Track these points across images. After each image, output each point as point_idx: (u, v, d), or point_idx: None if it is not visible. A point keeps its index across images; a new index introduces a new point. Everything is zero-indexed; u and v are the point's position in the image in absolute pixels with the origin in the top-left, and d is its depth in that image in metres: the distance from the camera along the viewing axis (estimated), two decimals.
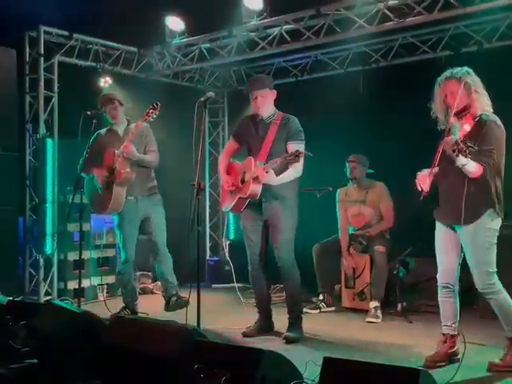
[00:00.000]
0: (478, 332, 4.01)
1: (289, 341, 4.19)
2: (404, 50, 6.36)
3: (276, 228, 4.32)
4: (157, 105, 4.73)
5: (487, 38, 5.77)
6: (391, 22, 5.34)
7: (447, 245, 3.54)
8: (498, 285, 3.41)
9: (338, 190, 5.71)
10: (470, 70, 3.51)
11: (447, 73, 3.55)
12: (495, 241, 3.40)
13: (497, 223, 3.41)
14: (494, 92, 3.54)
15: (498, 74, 5.45)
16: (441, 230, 3.59)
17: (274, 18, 5.82)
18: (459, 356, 3.50)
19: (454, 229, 3.50)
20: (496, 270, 3.41)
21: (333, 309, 5.48)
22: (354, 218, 5.62)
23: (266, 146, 4.30)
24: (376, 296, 5.12)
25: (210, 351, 2.59)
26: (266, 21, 5.84)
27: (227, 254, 7.88)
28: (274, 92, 4.40)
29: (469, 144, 3.07)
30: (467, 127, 3.38)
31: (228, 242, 7.97)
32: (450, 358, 3.55)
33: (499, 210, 3.39)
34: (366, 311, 5.14)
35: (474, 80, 3.47)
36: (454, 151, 3.08)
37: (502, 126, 3.41)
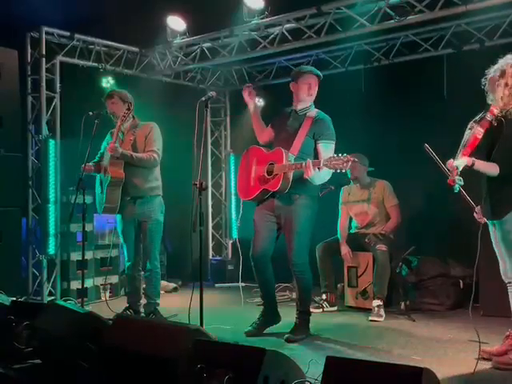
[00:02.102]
0: (480, 330, 3.99)
1: (291, 341, 4.18)
2: (405, 48, 6.35)
3: (292, 230, 4.23)
4: (130, 105, 4.74)
5: (489, 36, 5.75)
6: (392, 21, 5.33)
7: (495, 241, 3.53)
8: None
9: (342, 189, 5.71)
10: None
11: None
12: None
13: None
14: None
15: None
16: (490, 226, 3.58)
17: (275, 17, 5.82)
18: None
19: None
20: None
21: (336, 308, 5.48)
22: (357, 217, 5.62)
23: (298, 140, 4.19)
24: (379, 295, 5.12)
25: (212, 351, 2.59)
26: (267, 20, 5.83)
27: (230, 254, 7.92)
28: (318, 85, 4.40)
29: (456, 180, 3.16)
30: (478, 135, 3.31)
31: (231, 242, 7.98)
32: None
33: None
34: (369, 310, 5.14)
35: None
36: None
37: None
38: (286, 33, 5.95)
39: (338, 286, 5.73)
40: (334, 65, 6.90)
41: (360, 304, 5.39)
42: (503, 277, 3.51)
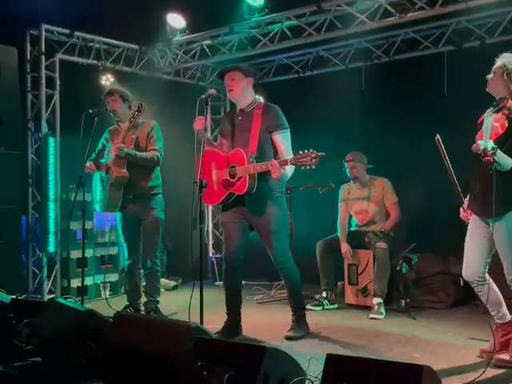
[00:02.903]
0: (480, 328, 4.00)
1: (290, 339, 4.17)
2: (406, 45, 6.34)
3: (268, 230, 4.12)
4: (141, 106, 4.68)
5: (489, 33, 5.75)
6: (393, 18, 5.33)
7: (476, 238, 3.48)
8: None
9: (342, 187, 5.70)
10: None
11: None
12: None
13: None
14: None
15: None
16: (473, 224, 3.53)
17: (275, 15, 5.81)
18: None
19: (486, 221, 3.44)
20: None
21: (336, 306, 5.48)
22: (357, 215, 5.62)
23: (254, 137, 4.04)
24: (379, 292, 5.12)
25: (212, 349, 2.59)
26: (267, 17, 5.83)
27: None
28: (250, 80, 4.22)
29: (495, 159, 3.06)
30: (498, 127, 3.26)
31: None
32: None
33: None
34: (369, 308, 5.14)
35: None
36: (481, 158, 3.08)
37: None
38: (286, 30, 5.94)
39: (338, 283, 5.73)
40: (334, 62, 6.89)
41: (360, 302, 5.39)
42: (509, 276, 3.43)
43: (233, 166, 4.04)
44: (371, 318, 4.95)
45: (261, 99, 4.23)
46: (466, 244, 3.54)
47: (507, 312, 3.52)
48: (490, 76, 3.43)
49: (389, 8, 5.26)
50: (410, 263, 5.37)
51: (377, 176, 5.60)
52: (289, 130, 4.15)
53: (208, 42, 6.53)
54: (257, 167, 3.92)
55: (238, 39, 6.27)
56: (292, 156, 3.90)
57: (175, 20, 6.37)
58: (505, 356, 3.40)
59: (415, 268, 5.38)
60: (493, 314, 3.53)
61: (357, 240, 5.48)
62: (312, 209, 6.55)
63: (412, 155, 5.90)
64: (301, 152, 3.74)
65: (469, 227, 3.56)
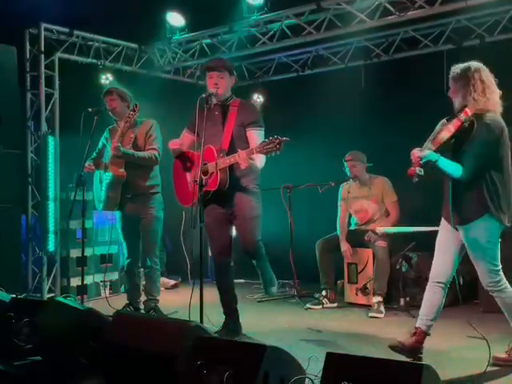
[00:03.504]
0: (481, 326, 4.00)
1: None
2: (405, 43, 6.35)
3: (241, 217, 4.07)
4: (136, 107, 4.68)
5: (489, 32, 5.75)
6: (392, 16, 5.33)
7: (445, 243, 3.49)
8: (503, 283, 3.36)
9: (341, 186, 5.70)
10: (473, 64, 3.42)
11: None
12: (495, 240, 3.33)
13: (495, 227, 3.30)
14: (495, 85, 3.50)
15: (499, 67, 5.43)
16: (443, 228, 3.54)
17: (274, 13, 5.82)
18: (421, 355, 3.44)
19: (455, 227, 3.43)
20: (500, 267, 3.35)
21: (336, 304, 5.48)
22: (357, 214, 5.62)
23: (227, 133, 4.01)
24: (379, 291, 5.13)
25: (212, 347, 2.59)
26: (266, 16, 5.83)
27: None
28: (234, 78, 4.19)
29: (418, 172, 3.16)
30: (451, 128, 3.26)
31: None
32: (413, 353, 3.43)
33: (498, 215, 3.27)
34: (368, 306, 5.15)
35: (475, 74, 3.35)
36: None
37: (497, 130, 3.27)
38: (285, 29, 5.94)
39: (338, 282, 5.74)
40: (334, 61, 6.89)
41: (360, 300, 5.39)
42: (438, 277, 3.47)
43: (205, 164, 3.98)
44: (371, 317, 4.95)
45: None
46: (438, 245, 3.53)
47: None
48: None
49: (388, 7, 5.26)
50: (409, 262, 5.38)
51: (376, 175, 5.60)
52: (263, 129, 4.08)
53: (207, 40, 6.53)
54: (226, 160, 3.88)
55: (238, 38, 6.27)
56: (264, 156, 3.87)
57: (175, 19, 6.37)
58: (502, 354, 3.41)
59: (415, 267, 5.38)
60: (424, 318, 3.51)
61: (356, 239, 5.48)
62: (312, 208, 6.56)
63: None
64: (266, 140, 3.70)
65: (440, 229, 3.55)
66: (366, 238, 5.33)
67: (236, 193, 4.05)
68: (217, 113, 4.14)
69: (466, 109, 3.25)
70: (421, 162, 3.18)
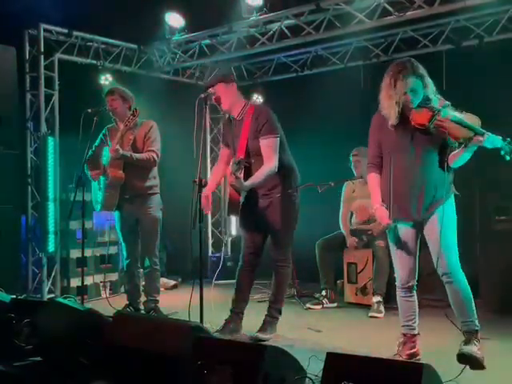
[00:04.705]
0: (480, 325, 4.01)
1: (258, 340, 4.02)
2: (404, 44, 6.35)
3: (270, 227, 4.17)
4: (136, 111, 4.70)
5: (488, 32, 5.74)
6: (391, 16, 5.33)
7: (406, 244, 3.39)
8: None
9: (345, 184, 5.68)
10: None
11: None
12: None
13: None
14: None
15: (498, 67, 5.44)
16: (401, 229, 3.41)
17: (273, 14, 5.81)
18: (420, 357, 3.40)
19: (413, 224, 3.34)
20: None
21: (335, 304, 5.48)
22: (357, 212, 5.63)
23: (241, 145, 4.10)
24: (378, 291, 5.13)
25: (212, 348, 2.60)
26: (265, 16, 5.83)
27: (229, 251, 7.92)
28: (232, 85, 4.16)
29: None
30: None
31: (230, 239, 7.99)
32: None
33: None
34: (368, 306, 5.15)
35: None
36: None
37: None
38: (284, 29, 5.94)
39: (338, 282, 5.74)
40: (333, 61, 6.89)
41: (360, 300, 5.40)
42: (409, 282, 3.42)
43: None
44: (371, 317, 4.96)
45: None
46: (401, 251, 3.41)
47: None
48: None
49: (387, 7, 5.26)
50: None
51: None
52: (274, 135, 4.08)
53: (207, 41, 6.53)
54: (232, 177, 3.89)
55: (237, 38, 6.27)
56: (273, 163, 4.00)
57: (174, 19, 6.37)
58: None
59: None
60: (410, 323, 3.48)
61: (356, 238, 5.49)
62: (311, 208, 6.55)
63: None
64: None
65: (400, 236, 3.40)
66: (368, 232, 5.35)
67: (261, 201, 4.16)
68: (236, 125, 4.21)
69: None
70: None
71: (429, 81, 3.29)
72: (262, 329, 4.18)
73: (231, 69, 4.35)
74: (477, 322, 3.27)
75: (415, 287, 3.46)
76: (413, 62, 3.31)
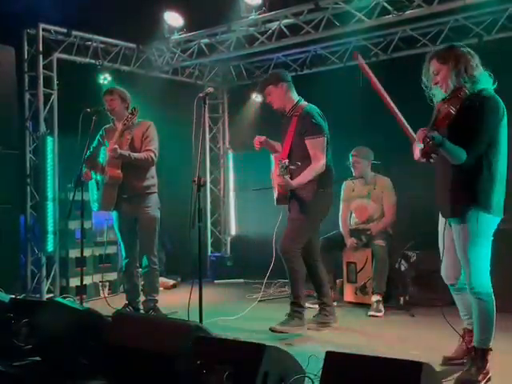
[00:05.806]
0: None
1: (273, 331, 4.21)
2: (404, 43, 6.35)
3: (290, 216, 4.38)
4: (135, 110, 4.73)
5: (487, 31, 5.75)
6: (390, 15, 5.33)
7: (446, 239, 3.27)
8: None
9: (344, 183, 5.68)
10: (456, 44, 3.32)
11: None
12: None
13: (486, 222, 3.02)
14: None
15: (497, 66, 5.43)
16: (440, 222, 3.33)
17: (272, 13, 5.81)
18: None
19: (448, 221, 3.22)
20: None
21: (335, 303, 5.47)
22: (356, 212, 5.62)
23: (287, 142, 4.32)
24: (378, 290, 5.13)
25: (212, 347, 2.59)
26: (264, 15, 5.83)
27: (229, 250, 7.92)
28: (283, 84, 4.37)
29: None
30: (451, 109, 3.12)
31: (229, 238, 7.99)
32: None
33: (489, 207, 2.99)
34: (368, 305, 5.14)
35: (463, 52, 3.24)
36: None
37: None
38: (283, 28, 5.94)
39: (337, 281, 5.73)
40: (332, 60, 6.90)
41: (359, 299, 5.39)
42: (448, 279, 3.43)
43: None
44: (370, 316, 4.95)
45: (302, 101, 4.35)
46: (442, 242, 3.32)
47: None
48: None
49: (386, 6, 5.26)
50: (408, 260, 5.38)
51: (380, 175, 5.58)
52: (320, 135, 4.25)
53: (206, 40, 6.53)
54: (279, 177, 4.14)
55: (236, 37, 6.27)
56: (321, 161, 4.21)
57: (173, 18, 6.37)
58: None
59: (414, 265, 5.38)
60: (465, 318, 3.47)
61: (356, 238, 5.48)
62: None
63: (411, 153, 5.88)
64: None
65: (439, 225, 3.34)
66: (367, 233, 5.34)
67: (292, 201, 4.39)
68: (285, 123, 4.42)
69: (464, 88, 3.09)
70: (433, 141, 2.95)
71: None
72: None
73: (281, 70, 4.65)
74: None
75: (459, 288, 3.42)
76: None
